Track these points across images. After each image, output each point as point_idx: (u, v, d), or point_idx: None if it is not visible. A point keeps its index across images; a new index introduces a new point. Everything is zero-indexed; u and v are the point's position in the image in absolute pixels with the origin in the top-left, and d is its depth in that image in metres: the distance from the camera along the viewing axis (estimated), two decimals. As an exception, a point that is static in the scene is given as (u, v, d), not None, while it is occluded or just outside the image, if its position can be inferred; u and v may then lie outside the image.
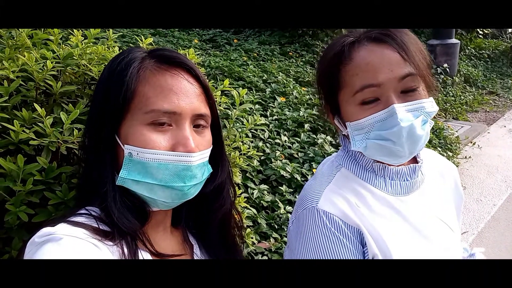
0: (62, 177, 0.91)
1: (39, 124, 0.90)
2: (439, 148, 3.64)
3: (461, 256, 0.95)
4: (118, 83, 0.71)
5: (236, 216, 0.92)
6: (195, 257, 0.83)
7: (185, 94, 0.73)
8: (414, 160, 0.94)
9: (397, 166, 0.88)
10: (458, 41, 6.21)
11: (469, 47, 7.35)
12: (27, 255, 0.61)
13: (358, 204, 0.84)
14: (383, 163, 0.87)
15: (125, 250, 0.67)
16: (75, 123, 0.94)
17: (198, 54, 4.32)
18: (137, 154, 0.69)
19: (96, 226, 0.67)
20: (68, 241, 0.60)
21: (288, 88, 3.68)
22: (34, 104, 0.91)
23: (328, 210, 0.82)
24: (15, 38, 1.17)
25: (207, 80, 0.80)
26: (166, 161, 0.70)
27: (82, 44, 1.14)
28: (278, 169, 2.47)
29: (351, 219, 0.81)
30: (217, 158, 0.83)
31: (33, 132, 0.88)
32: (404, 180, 0.89)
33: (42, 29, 1.14)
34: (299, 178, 2.48)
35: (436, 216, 0.90)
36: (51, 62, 0.98)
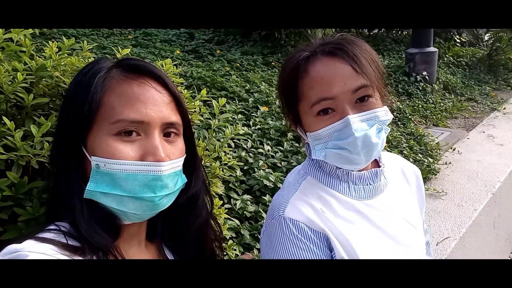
0: (33, 192, 0.88)
1: (9, 137, 0.87)
2: (420, 155, 3.68)
3: (425, 251, 1.00)
4: (83, 94, 0.69)
5: (215, 227, 0.90)
6: None
7: (153, 102, 0.71)
8: (377, 164, 0.98)
9: (360, 171, 0.91)
10: (437, 50, 6.35)
11: (447, 55, 7.52)
12: None
13: (323, 210, 0.87)
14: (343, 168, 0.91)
15: None
16: (47, 136, 0.92)
17: (179, 65, 4.31)
18: (105, 165, 0.67)
19: (65, 241, 0.64)
20: (36, 258, 0.57)
21: (271, 97, 3.69)
22: (3, 117, 0.88)
23: (294, 218, 0.84)
24: (-14, 50, 1.14)
25: (177, 88, 0.79)
26: (135, 171, 0.68)
27: (56, 55, 1.11)
28: (261, 179, 2.46)
29: (317, 224, 0.84)
30: (191, 167, 0.81)
31: (2, 146, 0.86)
32: (367, 184, 0.92)
33: (15, 41, 1.11)
34: (282, 187, 2.47)
35: (401, 217, 0.95)
36: (22, 74, 0.96)
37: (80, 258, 0.64)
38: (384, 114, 0.86)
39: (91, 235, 0.67)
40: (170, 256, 0.83)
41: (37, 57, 1.10)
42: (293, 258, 0.81)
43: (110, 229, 0.71)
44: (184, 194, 0.80)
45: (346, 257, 0.83)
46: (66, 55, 1.14)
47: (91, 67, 0.73)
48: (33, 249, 0.59)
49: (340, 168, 0.91)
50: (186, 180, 0.79)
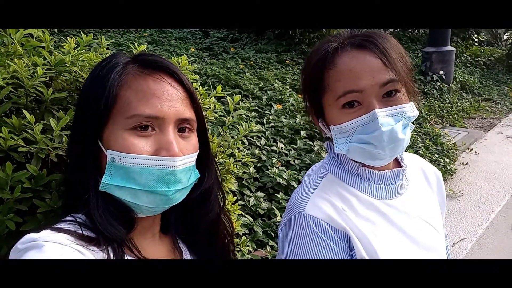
0: (51, 185, 0.89)
1: (29, 131, 0.89)
2: (436, 155, 3.63)
3: (445, 255, 0.98)
4: (100, 89, 0.70)
5: (227, 222, 0.90)
6: None
7: (168, 98, 0.72)
8: (398, 164, 0.96)
9: (382, 170, 0.90)
10: (454, 49, 6.24)
11: (464, 55, 7.40)
12: None
13: (344, 208, 0.85)
14: (368, 167, 0.89)
15: (111, 256, 0.66)
16: (66, 130, 0.93)
17: (194, 62, 4.33)
18: (120, 159, 0.68)
19: (80, 232, 0.66)
20: (51, 248, 0.59)
21: (285, 95, 3.68)
22: (23, 110, 0.90)
23: (315, 215, 0.83)
24: (7, 46, 1.16)
25: (192, 85, 0.79)
26: (149, 165, 0.69)
27: (75, 51, 1.13)
28: (274, 176, 2.46)
29: (338, 222, 0.82)
30: (204, 163, 0.82)
31: (22, 139, 0.87)
32: (389, 184, 0.91)
33: (34, 37, 1.13)
34: (295, 185, 2.46)
35: (421, 218, 0.92)
36: (42, 69, 0.97)
37: (95, 248, 0.65)
38: (410, 110, 0.84)
39: (105, 227, 0.68)
40: (184, 249, 0.84)
41: (56, 52, 1.12)
42: (312, 256, 0.80)
43: (125, 221, 0.72)
44: (197, 189, 0.80)
45: (366, 257, 0.81)
46: (84, 50, 1.16)
47: (108, 62, 0.74)
48: (49, 239, 0.60)
49: (362, 167, 0.89)
50: (199, 175, 0.79)
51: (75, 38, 1.17)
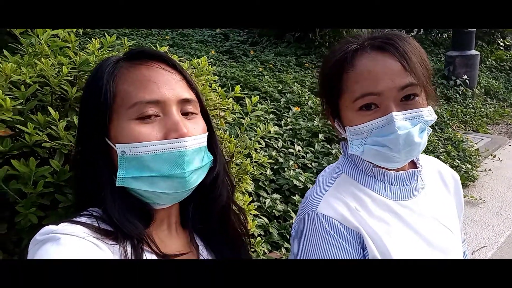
0: (73, 180, 0.92)
1: (53, 127, 0.92)
2: (457, 160, 3.56)
3: (461, 257, 0.96)
4: (96, 88, 0.71)
5: (238, 212, 0.90)
6: (201, 257, 0.82)
7: (165, 82, 0.72)
8: (414, 165, 0.95)
9: (397, 171, 0.89)
10: (478, 53, 6.10)
11: (489, 59, 7.21)
12: (30, 253, 0.61)
13: (358, 208, 0.85)
14: (383, 168, 0.88)
15: (129, 250, 0.66)
16: (88, 127, 0.96)
17: (214, 65, 4.38)
18: (130, 150, 0.69)
19: (97, 225, 0.67)
20: (68, 240, 0.60)
21: (303, 98, 3.68)
22: (49, 107, 0.93)
23: (328, 214, 0.83)
24: (35, 46, 1.21)
25: (186, 70, 0.79)
26: (160, 151, 0.69)
27: (99, 52, 1.17)
28: (291, 179, 2.46)
29: (351, 222, 0.82)
30: (212, 146, 0.81)
31: (46, 134, 0.90)
32: (403, 185, 0.90)
33: (60, 37, 1.18)
34: (312, 188, 2.45)
35: (437, 220, 0.91)
36: (67, 68, 1.01)
37: (112, 242, 0.66)
38: (428, 114, 0.84)
39: (123, 224, 0.69)
40: (199, 243, 0.84)
41: (80, 52, 1.16)
42: (324, 254, 0.80)
43: (142, 216, 0.72)
44: (210, 174, 0.80)
45: (379, 257, 0.81)
46: (107, 51, 1.19)
47: (100, 65, 0.75)
48: (66, 231, 0.61)
49: (377, 167, 0.88)
50: (212, 158, 0.79)
51: (99, 40, 1.21)
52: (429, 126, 0.86)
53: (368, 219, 0.84)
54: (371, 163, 0.89)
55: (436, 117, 0.88)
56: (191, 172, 0.72)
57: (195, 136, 0.73)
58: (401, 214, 0.87)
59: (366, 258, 0.82)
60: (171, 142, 0.69)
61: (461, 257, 0.94)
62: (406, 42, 0.83)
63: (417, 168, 0.92)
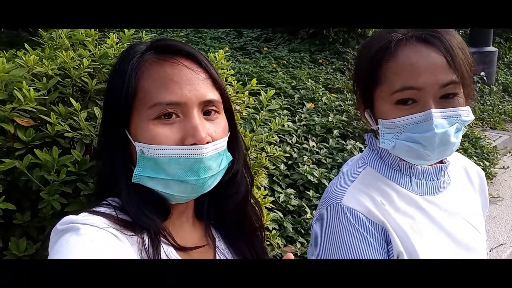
0: (94, 170, 0.94)
1: (74, 118, 0.94)
2: (475, 158, 3.50)
3: (486, 256, 0.93)
4: (119, 81, 0.70)
5: (255, 206, 0.89)
6: (217, 250, 0.82)
7: (187, 82, 0.70)
8: (441, 161, 0.92)
9: (424, 165, 0.87)
10: (496, 49, 5.99)
11: (508, 56, 7.06)
12: (50, 242, 0.62)
13: (383, 202, 0.83)
14: (409, 162, 0.86)
15: (146, 241, 0.67)
16: (108, 118, 0.98)
17: (228, 61, 4.38)
18: (148, 150, 0.68)
19: (116, 216, 0.67)
20: (86, 230, 0.60)
21: (317, 94, 3.67)
22: (70, 98, 0.95)
23: (352, 207, 0.81)
24: (55, 40, 1.24)
25: (213, 65, 0.76)
26: (176, 155, 0.68)
27: (117, 45, 1.19)
28: (305, 174, 2.45)
29: (376, 216, 0.80)
30: (233, 144, 0.80)
31: (68, 125, 0.93)
32: (430, 180, 0.88)
33: (80, 32, 1.20)
34: (327, 184, 2.45)
35: (463, 217, 0.89)
36: (87, 60, 1.03)
37: (131, 233, 0.66)
38: (466, 114, 0.80)
39: (140, 218, 0.68)
40: (216, 235, 0.85)
41: (99, 46, 1.18)
42: (348, 247, 0.78)
43: (159, 210, 0.72)
44: (228, 172, 0.79)
45: (404, 252, 0.79)
46: (125, 45, 1.21)
47: (126, 53, 0.74)
48: (86, 221, 0.62)
49: (403, 161, 0.86)
50: (231, 158, 0.77)
51: (117, 34, 1.23)
52: None
53: (393, 213, 0.82)
54: (398, 157, 0.86)
55: (474, 117, 0.84)
56: (206, 179, 0.71)
57: (213, 142, 0.71)
58: (427, 209, 0.85)
59: (390, 253, 0.80)
60: (188, 149, 0.68)
61: (485, 255, 0.92)
62: (452, 36, 0.79)
63: (444, 163, 0.90)
